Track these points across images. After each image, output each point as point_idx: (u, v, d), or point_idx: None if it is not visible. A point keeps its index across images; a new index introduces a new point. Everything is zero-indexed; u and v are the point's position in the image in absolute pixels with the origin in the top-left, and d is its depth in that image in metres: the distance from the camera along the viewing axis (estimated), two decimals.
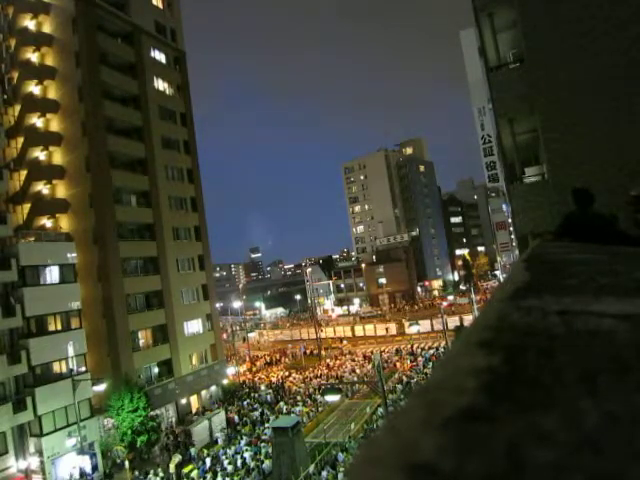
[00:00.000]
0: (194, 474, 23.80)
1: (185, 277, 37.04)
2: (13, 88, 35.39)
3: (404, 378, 34.69)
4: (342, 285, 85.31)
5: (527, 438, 0.37)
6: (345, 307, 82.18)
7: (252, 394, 37.66)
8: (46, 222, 33.05)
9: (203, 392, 36.62)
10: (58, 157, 33.97)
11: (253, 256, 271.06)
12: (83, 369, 27.83)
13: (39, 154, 34.01)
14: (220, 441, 28.80)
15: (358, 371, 39.76)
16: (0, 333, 24.48)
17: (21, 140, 34.31)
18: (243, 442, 27.32)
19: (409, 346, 45.95)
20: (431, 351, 41.86)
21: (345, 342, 54.45)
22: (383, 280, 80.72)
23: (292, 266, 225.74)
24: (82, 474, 25.21)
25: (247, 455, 24.92)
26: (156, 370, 33.18)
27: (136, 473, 25.07)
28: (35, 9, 35.10)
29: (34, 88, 34.70)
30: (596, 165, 9.69)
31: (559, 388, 0.48)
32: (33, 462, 24.61)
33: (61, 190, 33.64)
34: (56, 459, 25.10)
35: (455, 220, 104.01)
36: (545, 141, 10.56)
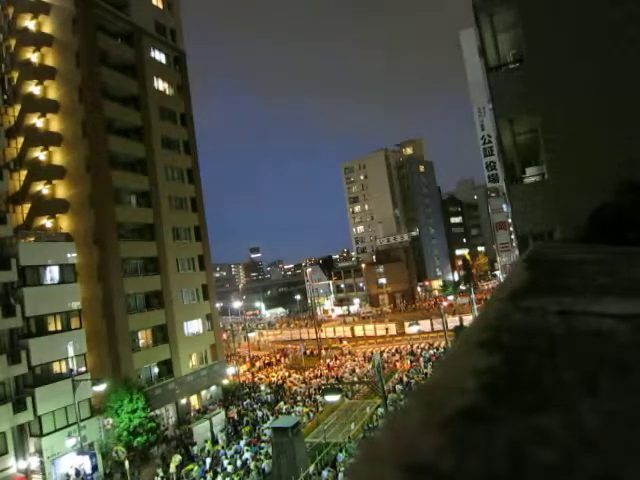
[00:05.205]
0: (194, 473, 23.80)
1: (185, 277, 37.03)
2: (13, 88, 35.37)
3: (404, 378, 34.68)
4: (342, 285, 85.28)
5: (527, 438, 0.37)
6: (345, 307, 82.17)
7: (252, 394, 37.66)
8: (46, 222, 33.04)
9: (203, 392, 36.62)
10: (58, 157, 33.95)
11: (253, 256, 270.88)
12: (83, 369, 27.82)
13: (39, 154, 33.98)
14: (220, 441, 28.80)
15: (358, 371, 39.76)
16: (0, 333, 24.47)
17: (21, 140, 34.29)
18: (243, 442, 27.31)
19: (409, 346, 45.93)
20: (431, 351, 41.85)
21: (345, 342, 54.44)
22: (383, 280, 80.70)
23: (292, 266, 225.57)
24: (77, 473, 25.16)
25: (247, 455, 24.91)
26: (156, 370, 33.18)
27: (136, 473, 25.08)
28: (35, 9, 35.07)
29: (34, 88, 34.68)
30: (596, 165, 9.69)
31: (559, 388, 0.47)
32: (33, 462, 24.60)
33: (61, 190, 33.62)
34: (56, 459, 25.09)
35: (455, 220, 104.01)
36: (545, 141, 10.56)
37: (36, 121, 34.29)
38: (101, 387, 24.85)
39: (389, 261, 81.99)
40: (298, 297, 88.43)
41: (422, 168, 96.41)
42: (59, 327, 27.56)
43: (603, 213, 4.89)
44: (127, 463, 23.65)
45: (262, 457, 24.01)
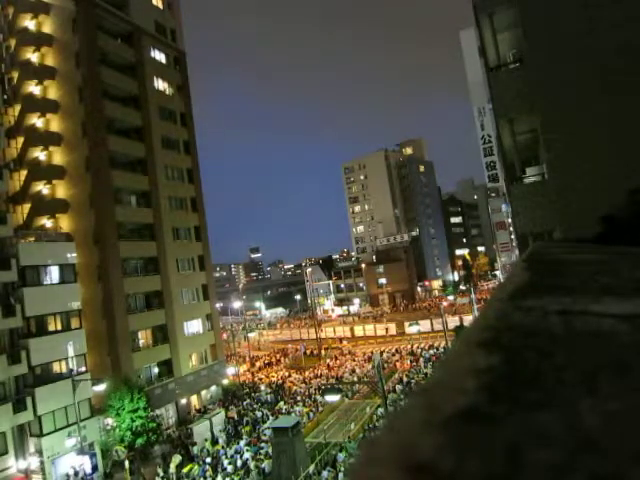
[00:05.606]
0: (194, 472, 23.78)
1: (185, 277, 37.03)
2: (13, 88, 35.36)
3: (404, 378, 34.67)
4: (342, 285, 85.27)
5: (527, 438, 0.37)
6: (345, 307, 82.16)
7: (252, 394, 37.65)
8: (46, 222, 33.03)
9: (203, 392, 36.62)
10: (58, 157, 33.95)
11: (253, 256, 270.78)
12: (83, 369, 27.80)
13: (39, 154, 33.98)
14: (220, 441, 28.79)
15: (358, 371, 39.74)
16: (0, 333, 24.47)
17: (21, 140, 34.29)
18: (243, 442, 27.30)
19: (409, 346, 45.93)
20: (431, 351, 41.84)
21: (345, 342, 54.43)
22: (383, 280, 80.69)
23: (292, 266, 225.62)
24: (76, 473, 25.16)
25: (247, 455, 24.90)
26: (156, 370, 33.17)
27: (136, 473, 25.07)
28: (35, 9, 35.07)
29: (34, 88, 34.67)
30: (596, 165, 9.69)
31: (559, 388, 0.48)
32: (33, 462, 24.59)
33: (61, 190, 33.62)
34: (56, 459, 25.09)
35: (455, 220, 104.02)
36: (545, 141, 10.56)
37: (36, 121, 34.28)
38: (101, 387, 24.87)
39: (389, 261, 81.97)
40: (298, 297, 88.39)
41: (422, 168, 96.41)
42: (59, 327, 27.54)
43: (618, 214, 4.86)
44: (127, 463, 23.66)
45: (262, 457, 24.00)
